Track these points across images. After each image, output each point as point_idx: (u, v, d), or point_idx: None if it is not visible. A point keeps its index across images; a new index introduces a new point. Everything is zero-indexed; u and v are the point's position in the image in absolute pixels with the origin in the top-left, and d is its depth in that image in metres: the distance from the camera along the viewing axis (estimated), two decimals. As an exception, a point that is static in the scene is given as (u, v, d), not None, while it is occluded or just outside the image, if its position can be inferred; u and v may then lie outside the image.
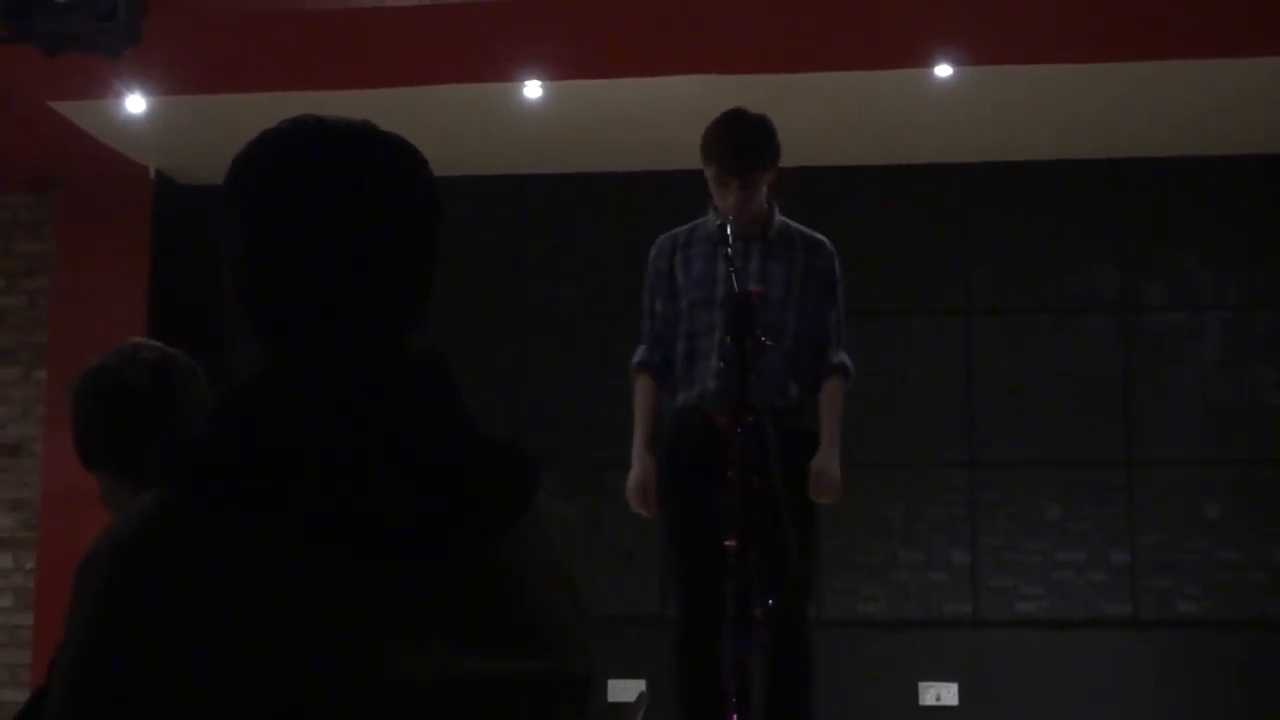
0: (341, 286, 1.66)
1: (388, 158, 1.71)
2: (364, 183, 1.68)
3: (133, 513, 1.55)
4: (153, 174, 8.68)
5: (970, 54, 6.96)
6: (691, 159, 8.24)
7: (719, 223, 5.19)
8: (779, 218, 5.42)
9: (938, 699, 8.05)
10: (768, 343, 4.92)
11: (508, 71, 7.19)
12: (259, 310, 1.70)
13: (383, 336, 1.69)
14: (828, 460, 5.25)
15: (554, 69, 7.16)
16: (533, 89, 7.35)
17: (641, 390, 5.40)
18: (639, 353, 5.47)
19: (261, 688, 1.46)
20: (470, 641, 1.58)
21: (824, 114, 7.77)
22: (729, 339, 4.86)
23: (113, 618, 1.49)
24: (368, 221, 1.67)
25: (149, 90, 7.24)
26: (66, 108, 7.55)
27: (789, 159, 8.09)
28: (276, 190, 1.67)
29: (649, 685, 7.07)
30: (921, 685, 8.07)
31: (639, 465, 5.28)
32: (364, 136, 1.72)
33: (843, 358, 5.39)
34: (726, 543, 4.87)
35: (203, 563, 1.49)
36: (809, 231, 5.45)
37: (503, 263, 8.70)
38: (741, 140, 5.31)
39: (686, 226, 5.49)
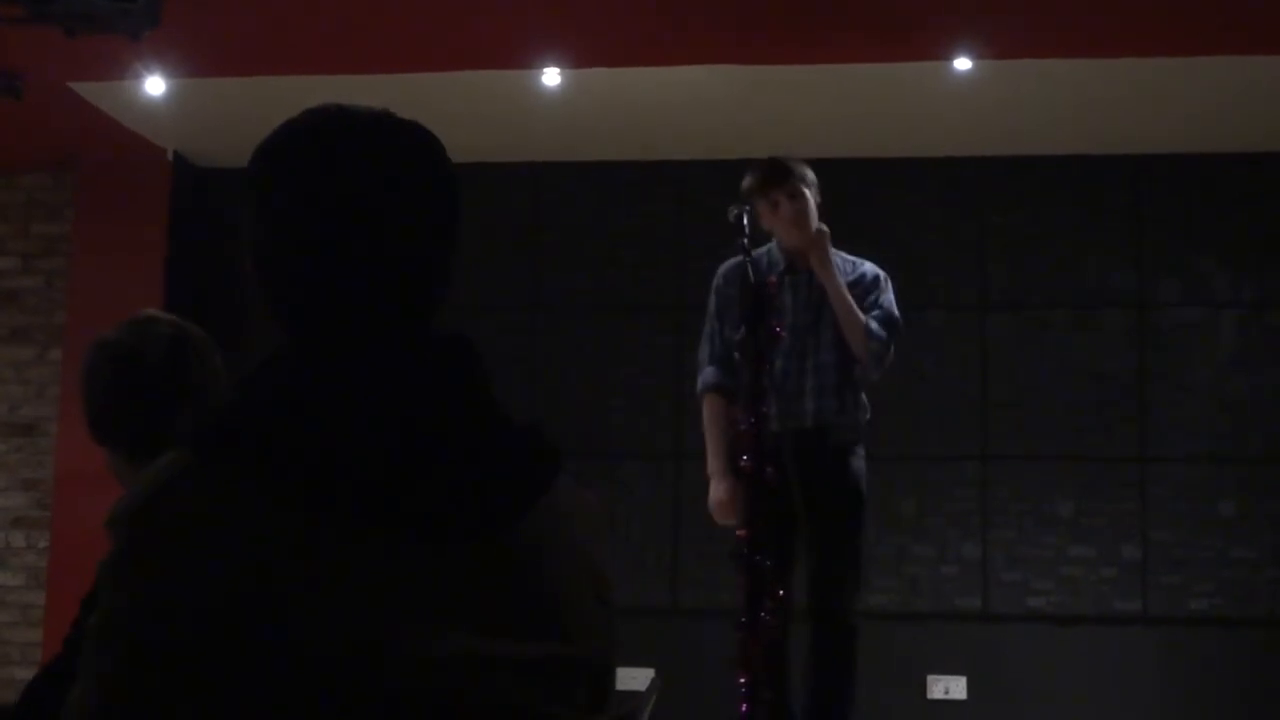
0: (363, 271, 1.69)
1: (408, 144, 1.75)
2: (385, 169, 1.71)
3: (154, 473, 1.58)
4: (170, 156, 8.68)
5: (989, 48, 6.95)
6: (708, 149, 8.30)
7: (784, 263, 5.60)
8: (833, 251, 5.62)
9: (946, 692, 8.05)
10: (781, 333, 5.04)
11: (526, 59, 7.19)
12: (282, 295, 1.73)
13: (405, 319, 1.71)
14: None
15: (573, 57, 7.16)
16: (551, 77, 7.35)
17: (711, 410, 5.61)
18: (706, 374, 5.65)
19: (272, 655, 1.48)
20: (486, 622, 1.60)
21: (841, 106, 7.76)
22: (742, 328, 4.95)
23: (131, 576, 1.53)
24: (389, 207, 1.70)
25: (168, 72, 7.25)
26: (86, 89, 7.56)
27: (805, 150, 8.12)
28: (300, 178, 1.71)
29: (659, 674, 7.08)
30: (930, 678, 8.07)
31: (720, 482, 5.48)
32: (384, 124, 1.75)
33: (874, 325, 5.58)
34: (738, 532, 4.93)
35: (220, 527, 1.51)
36: (858, 261, 5.74)
37: (518, 251, 8.70)
38: (771, 159, 5.70)
39: (761, 250, 5.62)
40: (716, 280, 5.71)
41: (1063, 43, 6.84)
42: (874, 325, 5.56)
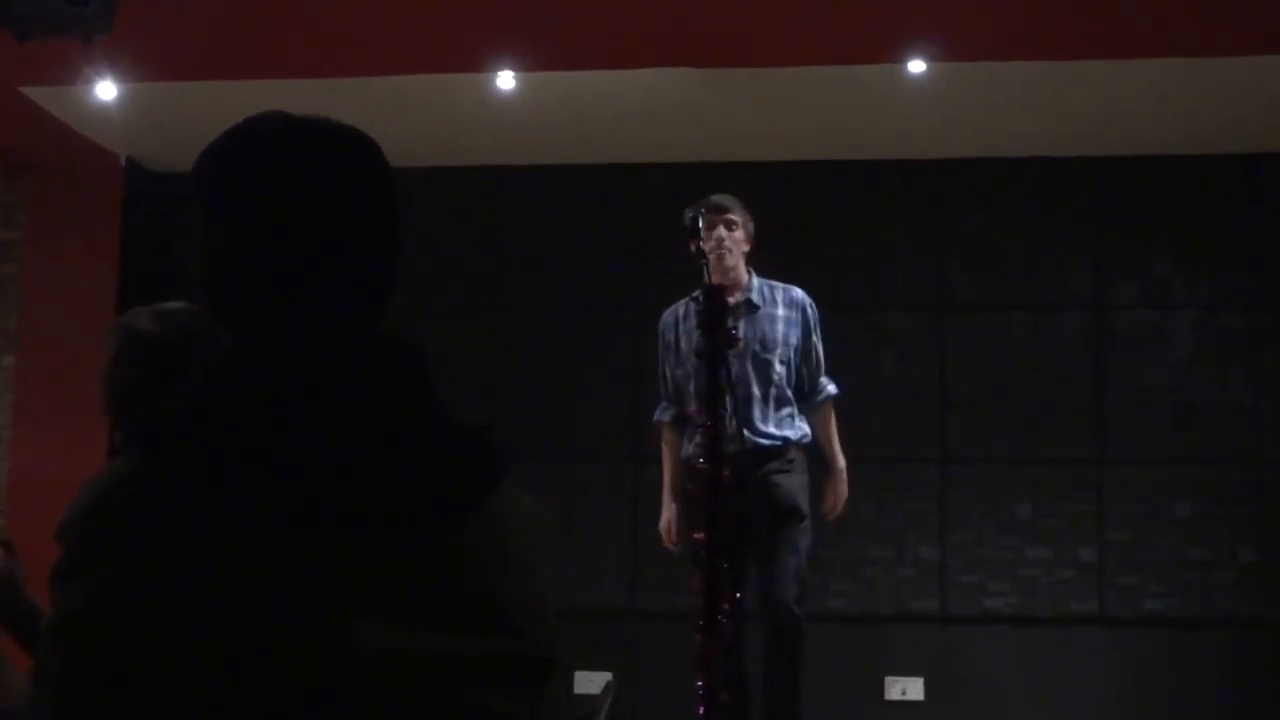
0: (305, 276, 1.71)
1: (348, 151, 1.79)
2: (326, 175, 1.75)
3: (100, 479, 1.61)
4: (123, 161, 8.64)
5: (944, 50, 6.96)
6: (665, 153, 8.30)
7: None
8: (756, 279, 6.18)
9: (903, 693, 8.06)
10: (738, 336, 5.10)
11: (481, 62, 7.17)
12: (226, 300, 1.76)
13: (348, 323, 1.73)
14: (841, 484, 6.23)
15: (527, 60, 7.15)
16: (506, 80, 7.33)
17: (666, 443, 6.27)
18: (659, 410, 6.29)
19: (216, 653, 1.50)
20: (424, 619, 1.62)
21: (798, 108, 7.77)
22: (698, 330, 5.02)
23: (80, 578, 1.55)
24: (330, 213, 1.73)
25: (120, 77, 7.21)
26: (37, 93, 7.51)
27: (764, 154, 8.16)
28: (242, 184, 1.74)
29: (616, 677, 7.07)
30: (888, 680, 8.08)
31: (666, 509, 6.19)
32: (325, 130, 1.79)
33: (829, 386, 6.25)
34: (695, 535, 4.95)
35: (162, 529, 1.54)
36: (785, 286, 6.24)
37: (476, 254, 8.68)
38: (718, 197, 6.11)
39: (684, 300, 6.10)
40: (659, 325, 6.27)
41: (1016, 45, 6.85)
42: (830, 389, 6.26)
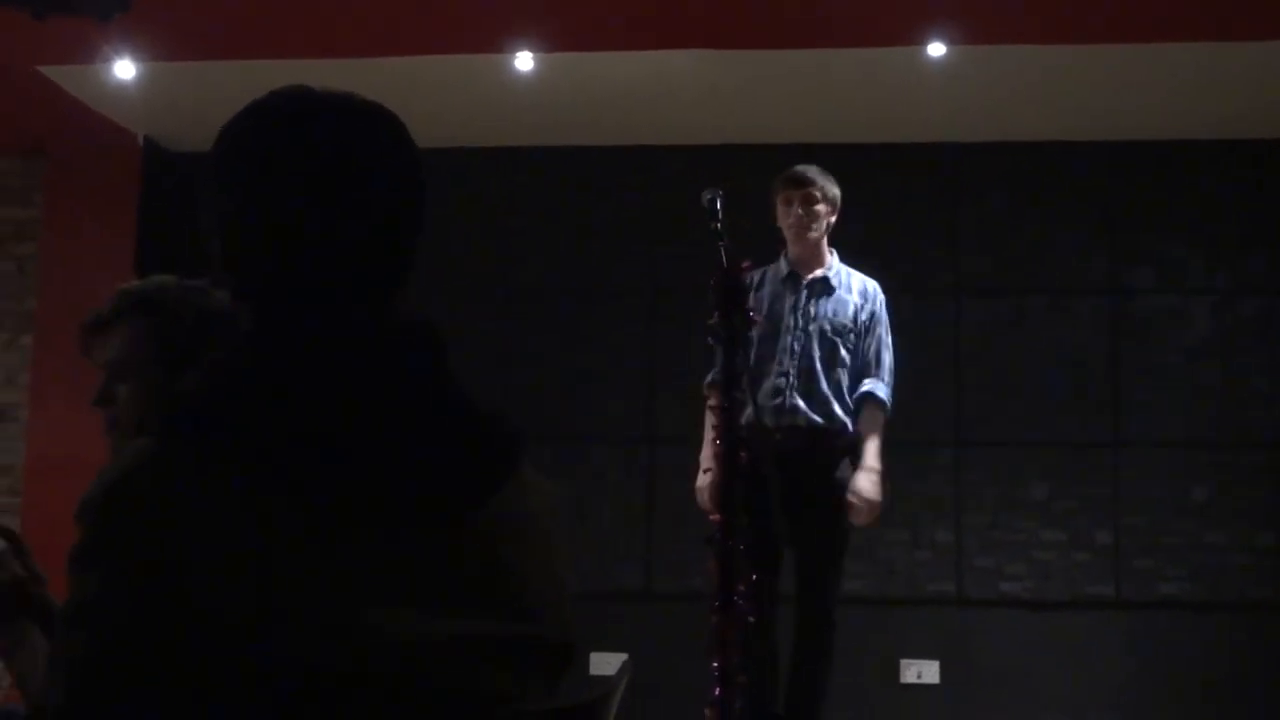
0: (328, 253, 1.69)
1: (372, 126, 1.76)
2: (350, 152, 1.72)
3: (122, 460, 1.60)
4: (141, 141, 8.64)
5: (964, 33, 6.94)
6: (682, 135, 8.28)
7: (787, 271, 6.04)
8: (838, 264, 6.15)
9: (919, 676, 8.06)
10: (756, 319, 5.09)
11: (498, 43, 7.16)
12: (246, 277, 1.74)
13: (369, 302, 1.72)
14: (864, 480, 5.86)
15: (545, 41, 7.13)
16: (524, 61, 7.32)
17: (711, 402, 5.77)
18: (713, 373, 5.76)
19: (235, 635, 1.50)
20: (445, 602, 1.61)
21: (816, 91, 7.75)
22: (716, 314, 5.00)
23: (99, 561, 1.55)
24: (353, 189, 1.70)
25: (139, 56, 7.21)
26: (55, 73, 7.51)
27: (781, 136, 8.14)
28: (264, 159, 1.71)
29: (631, 659, 7.07)
30: (903, 663, 8.07)
31: (704, 470, 5.76)
32: (348, 105, 1.76)
33: (875, 387, 6.04)
34: (711, 517, 4.94)
35: (182, 512, 1.53)
36: (863, 276, 6.17)
37: (490, 236, 8.67)
38: (802, 167, 6.09)
39: (761, 269, 6.00)
40: None
41: (1036, 29, 6.83)
42: (869, 387, 6.03)
